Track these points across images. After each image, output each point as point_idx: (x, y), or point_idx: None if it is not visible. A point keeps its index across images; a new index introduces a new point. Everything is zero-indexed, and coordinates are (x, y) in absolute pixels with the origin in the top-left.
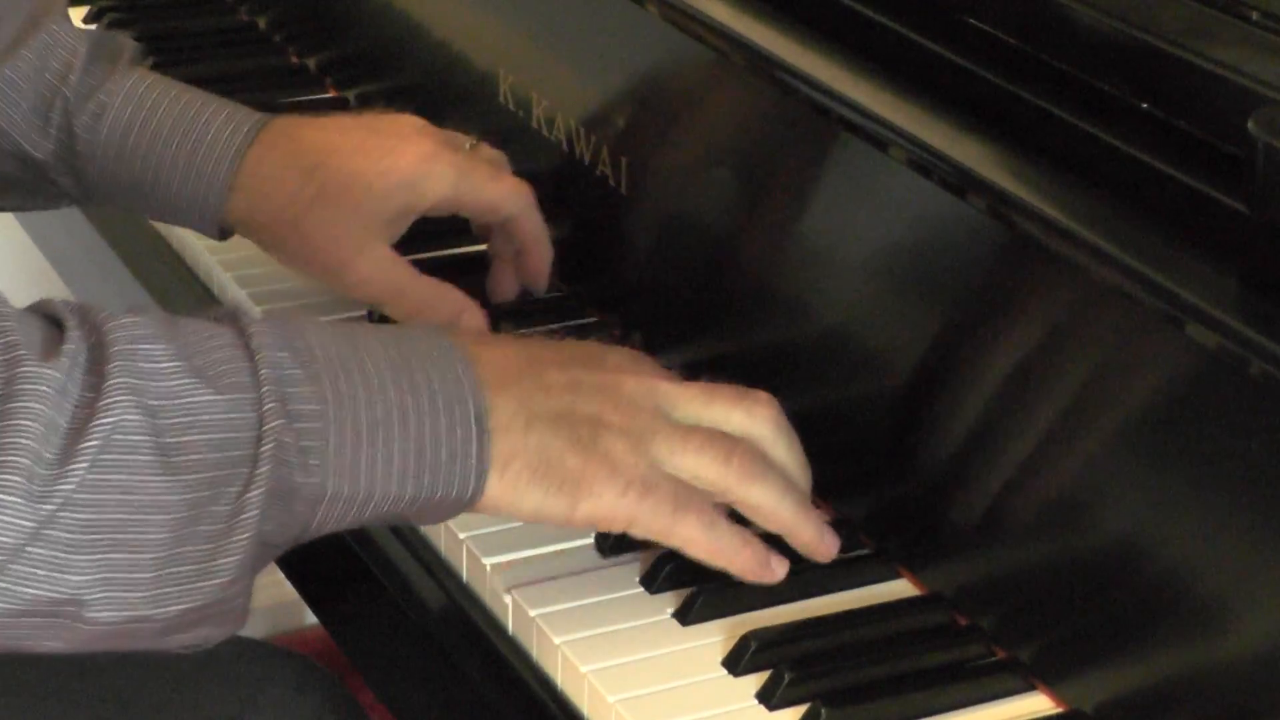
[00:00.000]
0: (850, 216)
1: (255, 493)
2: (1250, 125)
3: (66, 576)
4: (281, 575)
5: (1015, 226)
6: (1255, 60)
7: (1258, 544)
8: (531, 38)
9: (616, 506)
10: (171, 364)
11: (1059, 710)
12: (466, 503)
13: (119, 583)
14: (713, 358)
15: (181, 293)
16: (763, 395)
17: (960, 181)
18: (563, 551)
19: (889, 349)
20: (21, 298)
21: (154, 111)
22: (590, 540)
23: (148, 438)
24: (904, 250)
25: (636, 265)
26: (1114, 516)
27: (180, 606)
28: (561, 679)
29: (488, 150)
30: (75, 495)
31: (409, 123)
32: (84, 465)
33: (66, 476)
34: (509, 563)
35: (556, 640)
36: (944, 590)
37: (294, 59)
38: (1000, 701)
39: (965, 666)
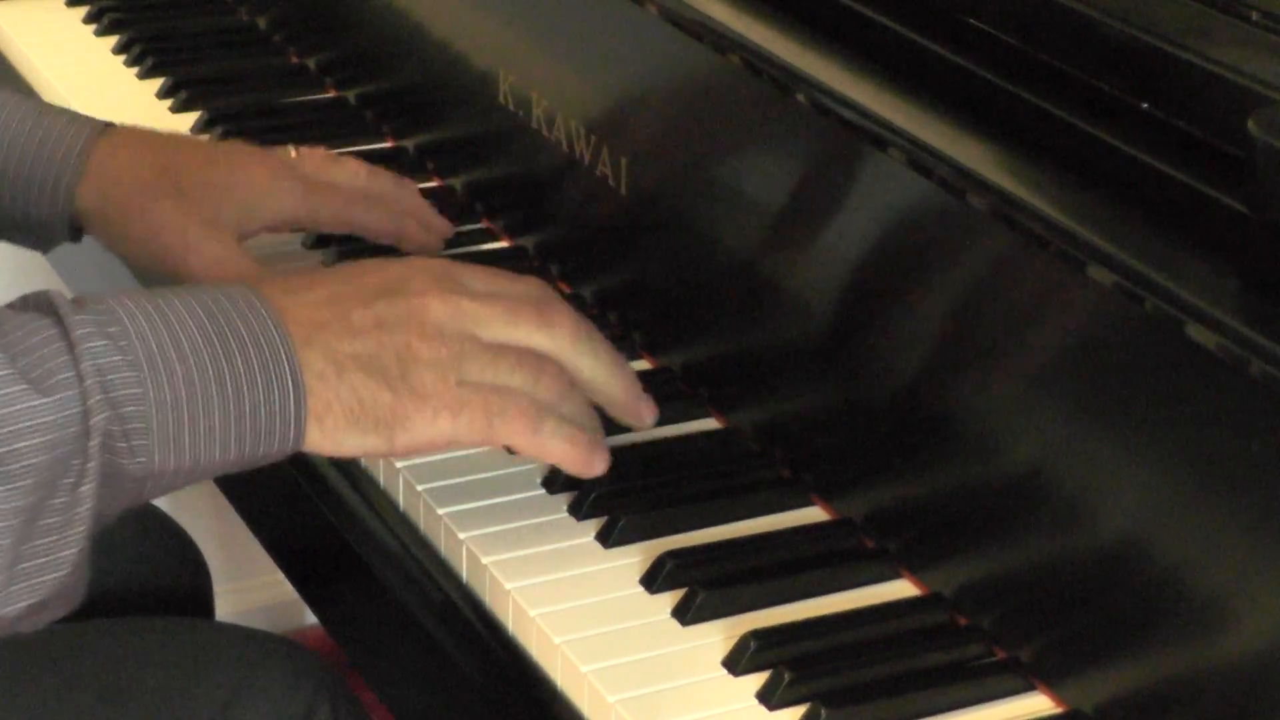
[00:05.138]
0: (850, 216)
1: (87, 486)
2: (1250, 125)
3: None
4: (281, 575)
5: (1015, 226)
6: (1255, 60)
7: (1258, 544)
8: (531, 38)
9: (430, 432)
10: (1, 371)
11: (1059, 710)
12: (288, 453)
13: None
14: (713, 357)
15: None
16: (560, 310)
17: (960, 181)
18: (563, 551)
19: (889, 349)
20: None
21: None
22: (590, 539)
23: None
24: (904, 250)
25: (636, 265)
26: (1114, 516)
27: (27, 601)
28: (561, 679)
29: (309, 156)
30: None
31: (246, 147)
32: None
33: None
34: (508, 562)
35: (556, 640)
36: (944, 590)
37: (294, 59)
38: (1000, 701)
39: (965, 666)
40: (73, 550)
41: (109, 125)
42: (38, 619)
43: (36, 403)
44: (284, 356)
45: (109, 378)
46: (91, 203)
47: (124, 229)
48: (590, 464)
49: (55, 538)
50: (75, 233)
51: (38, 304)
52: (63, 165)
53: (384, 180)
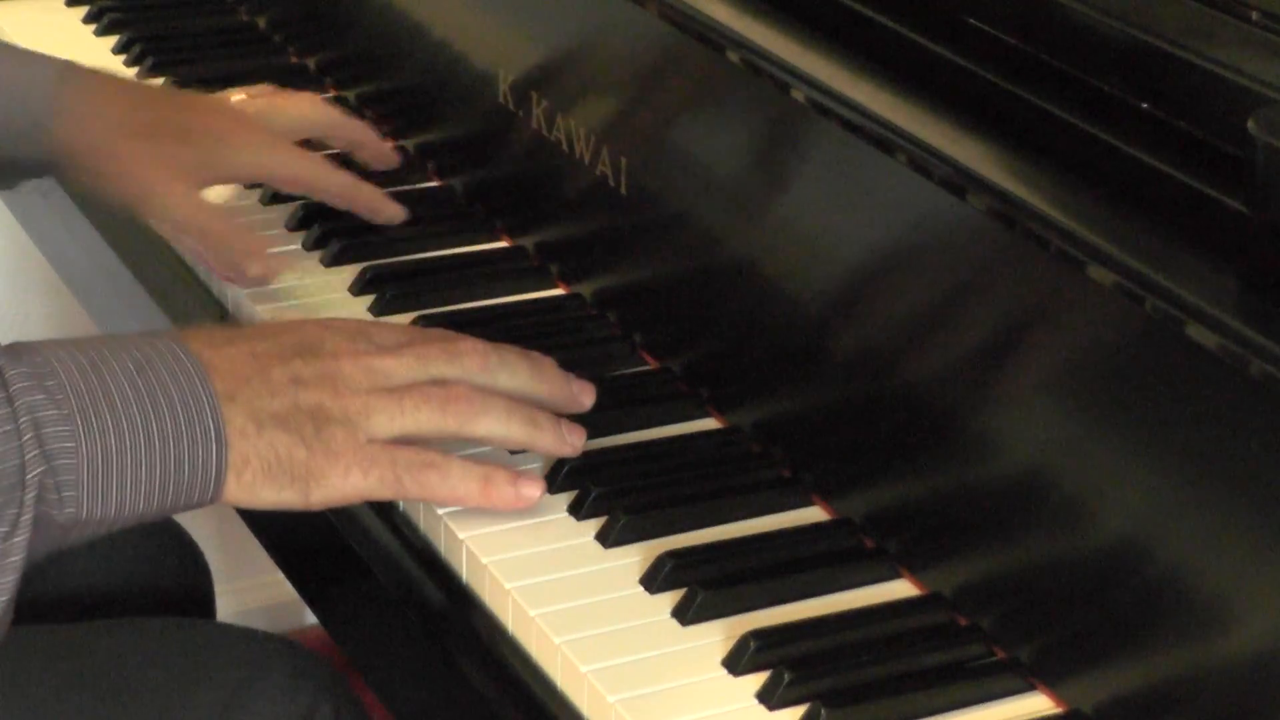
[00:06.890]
0: (850, 216)
1: (20, 537)
2: (1250, 125)
3: None
4: (281, 575)
5: (1015, 226)
6: (1255, 60)
7: (1258, 544)
8: (531, 38)
9: (344, 488)
10: None
11: (1059, 710)
12: (206, 503)
13: None
14: (713, 357)
15: (181, 293)
16: (465, 342)
17: (960, 181)
18: (563, 551)
19: (889, 349)
20: (22, 298)
21: None
22: (590, 539)
23: None
24: (904, 250)
25: (636, 265)
26: (1114, 516)
27: None
28: (561, 679)
29: (259, 94)
30: None
31: (216, 99)
32: None
33: None
34: (508, 562)
35: (556, 640)
36: (944, 590)
37: (294, 59)
38: (1000, 701)
39: (965, 666)
40: (3, 598)
41: (73, 64)
42: None
43: None
44: (209, 412)
45: (44, 430)
46: (65, 140)
47: (94, 166)
48: (506, 498)
49: None
50: (40, 170)
51: None
52: (36, 104)
53: (336, 112)
